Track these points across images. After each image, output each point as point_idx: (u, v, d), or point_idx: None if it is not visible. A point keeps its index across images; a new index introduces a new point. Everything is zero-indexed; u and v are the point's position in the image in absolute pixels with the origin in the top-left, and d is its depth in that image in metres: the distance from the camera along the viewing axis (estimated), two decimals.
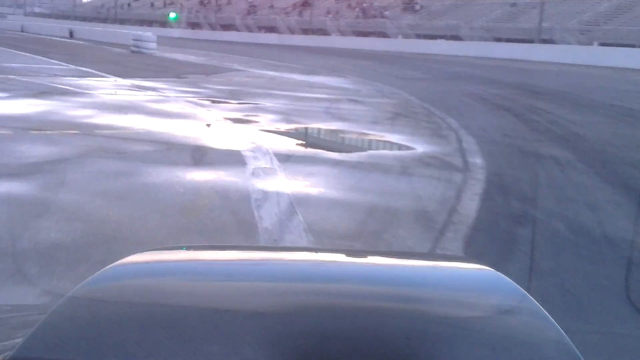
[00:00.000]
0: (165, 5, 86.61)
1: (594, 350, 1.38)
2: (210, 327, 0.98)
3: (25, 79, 15.60)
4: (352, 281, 1.22)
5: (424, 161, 8.41)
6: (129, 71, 21.02)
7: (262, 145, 8.57)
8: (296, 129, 10.85)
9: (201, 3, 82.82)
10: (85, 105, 11.57)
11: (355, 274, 1.30)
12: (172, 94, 14.81)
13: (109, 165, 6.79)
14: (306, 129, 11.01)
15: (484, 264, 1.34)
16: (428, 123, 12.69)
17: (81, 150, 7.43)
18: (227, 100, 14.49)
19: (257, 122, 11.21)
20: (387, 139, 10.15)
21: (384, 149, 9.46)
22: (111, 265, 1.19)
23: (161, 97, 14.09)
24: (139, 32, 36.87)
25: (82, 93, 13.70)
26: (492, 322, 1.07)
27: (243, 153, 7.98)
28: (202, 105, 12.98)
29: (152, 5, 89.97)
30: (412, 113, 14.30)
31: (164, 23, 75.19)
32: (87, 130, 8.90)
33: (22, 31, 57.37)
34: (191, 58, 31.55)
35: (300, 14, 66.09)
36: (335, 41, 55.78)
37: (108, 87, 15.69)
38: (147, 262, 1.29)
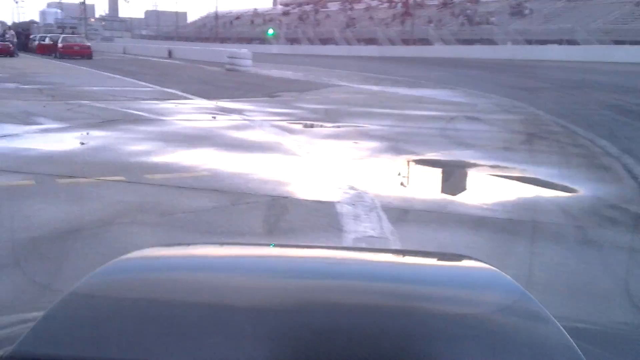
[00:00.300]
0: (264, 22, 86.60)
1: (594, 348, 1.22)
2: (211, 323, 0.97)
3: (99, 104, 13.93)
4: (353, 279, 1.22)
5: (602, 214, 5.74)
6: (218, 91, 19.21)
7: (366, 192, 6.17)
8: (409, 163, 8.35)
9: (300, 18, 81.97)
10: (149, 137, 9.57)
11: (357, 271, 1.29)
12: (259, 117, 12.68)
13: (139, 240, 4.54)
14: (422, 162, 8.47)
15: (485, 263, 1.34)
16: (575, 147, 9.90)
17: (110, 212, 5.25)
18: (321, 123, 12.20)
19: (357, 153, 8.83)
20: (532, 175, 7.48)
21: (534, 191, 6.77)
22: (111, 262, 1.22)
23: (245, 122, 11.98)
24: (234, 49, 35.51)
25: (154, 120, 11.78)
26: (492, 320, 1.05)
27: (338, 208, 5.59)
28: (290, 132, 10.73)
29: (252, 22, 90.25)
30: (548, 133, 11.50)
31: (263, 40, 74.76)
32: (136, 174, 6.76)
33: (124, 53, 57.86)
34: (287, 74, 29.70)
35: (402, 23, 63.55)
36: (439, 50, 52.78)
37: (187, 112, 13.75)
38: (146, 260, 1.32)
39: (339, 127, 11.66)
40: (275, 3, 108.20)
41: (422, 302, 1.11)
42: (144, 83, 21.15)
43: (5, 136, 9.10)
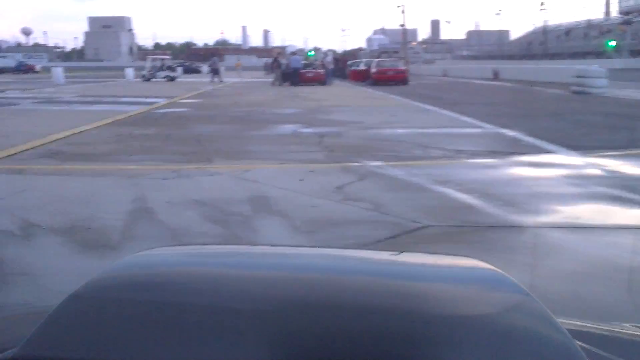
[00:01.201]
0: (600, 33, 76.10)
1: (596, 349, 1.12)
2: (217, 325, 0.96)
3: (397, 169, 7.98)
4: (356, 280, 1.19)
5: None
6: (582, 131, 12.23)
7: None
8: None
9: None
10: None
11: (360, 273, 1.26)
12: None
13: None
14: None
15: (488, 263, 1.30)
16: None
17: None
18: None
19: None
20: None
21: None
22: (114, 263, 1.19)
23: None
24: (581, 66, 27.66)
25: (501, 229, 5.38)
26: (494, 322, 1.03)
27: None
28: None
29: (585, 35, 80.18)
30: None
31: (599, 54, 64.75)
32: None
33: (444, 75, 53.20)
34: None
35: None
36: None
37: (557, 193, 6.97)
38: (150, 261, 1.27)
39: None
40: (608, 13, 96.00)
41: (425, 304, 1.07)
42: (467, 119, 14.94)
43: None
